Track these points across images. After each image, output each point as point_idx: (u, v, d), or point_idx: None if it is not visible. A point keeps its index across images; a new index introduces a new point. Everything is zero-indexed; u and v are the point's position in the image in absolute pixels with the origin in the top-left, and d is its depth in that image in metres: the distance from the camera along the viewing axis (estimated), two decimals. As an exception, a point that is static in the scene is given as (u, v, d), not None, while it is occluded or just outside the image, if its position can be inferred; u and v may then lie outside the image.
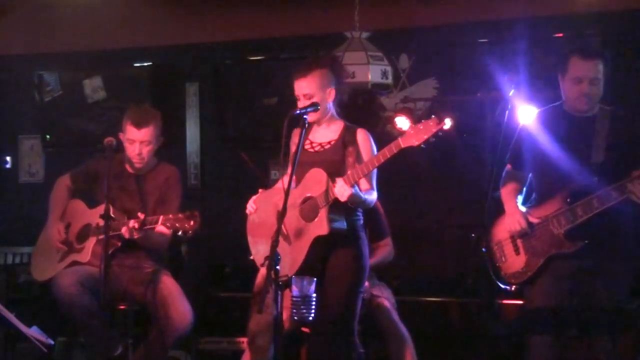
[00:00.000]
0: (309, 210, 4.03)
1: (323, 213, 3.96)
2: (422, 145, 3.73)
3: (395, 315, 4.76)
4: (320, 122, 4.15)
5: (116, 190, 4.60)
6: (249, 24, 6.49)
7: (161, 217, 4.35)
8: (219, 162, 6.74)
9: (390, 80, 5.60)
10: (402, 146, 3.77)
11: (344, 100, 4.26)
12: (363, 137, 4.11)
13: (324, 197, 3.95)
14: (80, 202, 4.86)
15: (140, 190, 4.72)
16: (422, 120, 3.75)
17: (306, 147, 4.17)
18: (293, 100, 4.17)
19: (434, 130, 3.70)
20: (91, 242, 4.65)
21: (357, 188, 3.90)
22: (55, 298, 4.51)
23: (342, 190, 3.86)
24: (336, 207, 3.96)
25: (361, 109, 5.92)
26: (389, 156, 3.82)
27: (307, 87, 4.05)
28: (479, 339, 4.98)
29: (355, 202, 3.96)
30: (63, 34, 6.77)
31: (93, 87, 6.77)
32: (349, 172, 3.94)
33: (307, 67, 4.07)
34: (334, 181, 3.90)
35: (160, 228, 4.57)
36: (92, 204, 4.79)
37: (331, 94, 4.11)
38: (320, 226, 3.96)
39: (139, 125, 4.63)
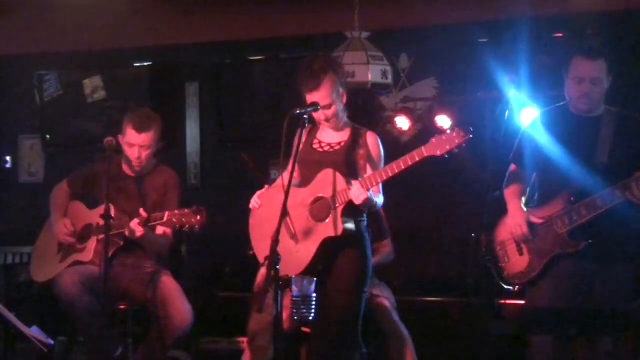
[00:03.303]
0: (319, 210, 4.02)
1: (336, 214, 3.96)
2: (445, 155, 3.74)
3: (395, 315, 4.76)
4: (338, 125, 4.15)
5: (115, 192, 4.58)
6: (249, 24, 6.49)
7: (167, 213, 4.35)
8: (219, 162, 6.74)
9: (390, 80, 5.59)
10: (425, 155, 3.79)
11: (349, 98, 4.26)
12: (373, 141, 4.12)
13: (337, 198, 3.95)
14: (80, 203, 4.86)
15: (139, 192, 4.72)
16: (447, 132, 3.77)
17: (314, 146, 4.18)
18: (293, 100, 4.17)
19: (458, 142, 3.72)
20: (93, 241, 4.65)
21: (371, 192, 3.91)
22: (57, 298, 4.52)
23: (358, 193, 3.87)
24: (347, 209, 3.96)
25: (361, 109, 5.92)
26: (410, 164, 3.83)
27: (324, 98, 4.03)
28: (479, 339, 4.98)
29: (367, 205, 3.97)
30: (63, 34, 6.77)
31: (93, 87, 6.77)
32: (365, 176, 3.95)
33: (316, 78, 4.02)
34: (349, 183, 3.91)
35: (163, 229, 4.57)
36: (91, 205, 4.79)
37: (344, 96, 4.12)
38: (331, 227, 3.96)
39: (140, 130, 4.61)
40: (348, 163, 4.07)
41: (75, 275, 4.52)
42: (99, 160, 4.72)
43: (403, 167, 3.84)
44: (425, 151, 3.79)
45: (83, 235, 4.74)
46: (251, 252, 4.30)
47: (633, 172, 3.82)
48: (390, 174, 3.89)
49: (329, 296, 3.99)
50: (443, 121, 5.48)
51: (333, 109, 4.06)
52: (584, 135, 3.97)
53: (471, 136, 3.73)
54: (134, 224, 4.41)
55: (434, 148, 3.77)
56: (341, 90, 4.10)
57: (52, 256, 4.79)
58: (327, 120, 4.09)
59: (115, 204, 4.52)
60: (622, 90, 4.17)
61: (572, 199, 3.93)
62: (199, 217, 4.26)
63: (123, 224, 4.46)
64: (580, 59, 3.97)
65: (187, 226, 4.28)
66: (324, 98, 4.03)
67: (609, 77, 3.98)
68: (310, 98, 4.05)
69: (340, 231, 3.95)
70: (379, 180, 3.91)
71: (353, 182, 3.91)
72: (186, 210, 4.31)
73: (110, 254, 4.35)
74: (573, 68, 3.98)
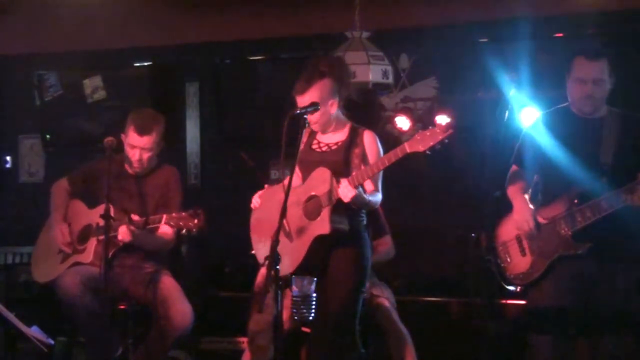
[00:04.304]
0: (312, 208, 4.03)
1: (325, 212, 3.96)
2: (427, 152, 3.74)
3: (395, 315, 4.76)
4: (327, 130, 4.15)
5: (116, 191, 4.59)
6: (249, 24, 6.49)
7: (164, 216, 4.34)
8: (219, 162, 6.74)
9: (390, 80, 5.60)
10: (408, 151, 3.79)
11: (350, 98, 4.25)
12: (369, 139, 4.12)
13: (327, 196, 3.96)
14: (80, 202, 4.85)
15: (140, 191, 4.71)
16: (430, 127, 3.76)
17: (313, 146, 4.19)
18: (293, 100, 4.17)
19: (441, 137, 3.72)
20: (92, 242, 4.64)
21: (361, 189, 3.91)
22: (58, 298, 4.51)
23: (345, 191, 3.87)
24: (339, 207, 3.96)
25: (361, 108, 5.91)
26: (394, 160, 3.83)
27: (308, 102, 4.03)
28: (479, 339, 4.98)
29: (358, 203, 3.97)
30: (63, 34, 6.77)
31: (93, 87, 6.77)
32: (353, 173, 3.95)
33: (307, 82, 4.05)
34: (338, 181, 3.91)
35: (163, 229, 4.57)
36: (92, 204, 4.78)
37: (333, 105, 4.10)
38: (321, 225, 3.97)
39: (141, 132, 4.61)
40: (345, 162, 4.07)
41: (76, 275, 4.52)
42: (99, 158, 4.71)
43: (387, 164, 3.85)
44: (407, 147, 3.79)
45: (83, 235, 4.73)
46: (252, 252, 4.31)
47: (637, 173, 3.81)
48: (376, 171, 3.91)
49: (327, 296, 3.99)
50: (443, 121, 5.47)
51: (317, 114, 4.04)
52: (587, 137, 3.96)
53: (451, 132, 3.73)
54: (123, 229, 4.40)
55: (417, 144, 3.76)
56: (332, 100, 4.08)
57: (53, 257, 4.78)
58: (309, 124, 4.06)
59: (116, 203, 4.52)
60: (623, 90, 4.16)
61: (576, 200, 3.92)
62: (196, 221, 4.26)
63: (123, 223, 4.45)
64: (582, 60, 3.96)
65: (185, 229, 4.28)
66: (309, 102, 4.02)
67: (611, 77, 3.98)
68: (299, 101, 4.08)
69: (327, 230, 3.94)
70: (365, 177, 3.91)
71: (341, 180, 3.91)
72: (183, 214, 4.30)
73: (110, 254, 4.35)
74: (575, 69, 3.98)
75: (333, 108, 4.11)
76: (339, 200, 3.92)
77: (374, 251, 4.94)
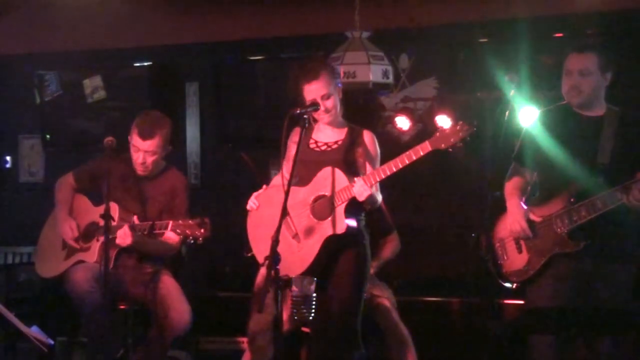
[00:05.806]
0: (321, 208, 4.01)
1: (339, 212, 3.94)
2: (449, 149, 3.74)
3: (395, 315, 4.76)
4: (334, 122, 4.14)
5: (121, 192, 4.58)
6: (249, 24, 6.50)
7: (171, 223, 4.33)
8: (219, 162, 6.74)
9: (391, 80, 5.60)
10: (430, 149, 3.78)
11: (349, 97, 4.27)
12: (370, 139, 4.13)
13: (339, 196, 3.95)
14: (85, 198, 4.84)
15: (144, 194, 4.69)
16: (450, 124, 3.76)
17: (311, 146, 4.17)
18: (293, 100, 4.16)
19: (462, 135, 3.72)
20: (96, 241, 4.63)
21: (373, 188, 3.92)
22: (67, 292, 4.50)
23: (362, 190, 3.86)
24: (348, 206, 3.95)
25: (361, 108, 5.92)
26: (414, 158, 3.82)
27: (323, 88, 4.03)
28: (479, 339, 4.98)
29: (370, 202, 3.97)
30: (63, 34, 6.78)
31: (93, 87, 6.77)
32: (368, 172, 3.95)
33: (315, 69, 4.05)
34: (352, 180, 3.91)
35: (169, 236, 4.55)
36: (97, 201, 4.75)
37: (340, 91, 4.12)
38: (334, 225, 3.94)
39: (144, 136, 4.59)
40: (347, 161, 4.07)
41: (87, 271, 4.50)
42: (106, 156, 4.71)
43: (407, 162, 3.83)
44: (430, 145, 3.78)
45: (87, 233, 4.72)
46: (249, 254, 4.29)
47: (634, 173, 3.81)
48: (395, 170, 3.87)
49: (329, 295, 3.99)
50: (443, 121, 5.48)
51: (332, 99, 4.05)
52: (586, 135, 3.96)
53: (475, 129, 3.73)
54: (121, 233, 4.39)
55: (439, 142, 3.76)
56: (338, 85, 4.11)
57: (57, 252, 4.77)
58: (327, 111, 4.06)
59: (122, 204, 4.52)
60: (623, 90, 4.16)
61: (572, 199, 3.92)
62: (202, 230, 4.24)
63: (122, 226, 4.44)
64: (572, 54, 3.98)
65: (191, 238, 4.27)
66: (323, 87, 4.02)
67: (605, 73, 3.96)
68: (309, 88, 4.04)
69: (343, 229, 3.93)
70: (383, 176, 3.90)
71: (356, 179, 3.90)
72: (190, 222, 4.27)
73: (113, 254, 4.34)
74: (565, 63, 3.99)
75: (340, 93, 4.12)
76: (352, 200, 3.91)
77: (382, 249, 4.96)
